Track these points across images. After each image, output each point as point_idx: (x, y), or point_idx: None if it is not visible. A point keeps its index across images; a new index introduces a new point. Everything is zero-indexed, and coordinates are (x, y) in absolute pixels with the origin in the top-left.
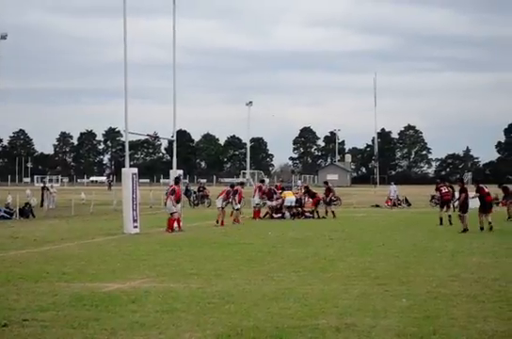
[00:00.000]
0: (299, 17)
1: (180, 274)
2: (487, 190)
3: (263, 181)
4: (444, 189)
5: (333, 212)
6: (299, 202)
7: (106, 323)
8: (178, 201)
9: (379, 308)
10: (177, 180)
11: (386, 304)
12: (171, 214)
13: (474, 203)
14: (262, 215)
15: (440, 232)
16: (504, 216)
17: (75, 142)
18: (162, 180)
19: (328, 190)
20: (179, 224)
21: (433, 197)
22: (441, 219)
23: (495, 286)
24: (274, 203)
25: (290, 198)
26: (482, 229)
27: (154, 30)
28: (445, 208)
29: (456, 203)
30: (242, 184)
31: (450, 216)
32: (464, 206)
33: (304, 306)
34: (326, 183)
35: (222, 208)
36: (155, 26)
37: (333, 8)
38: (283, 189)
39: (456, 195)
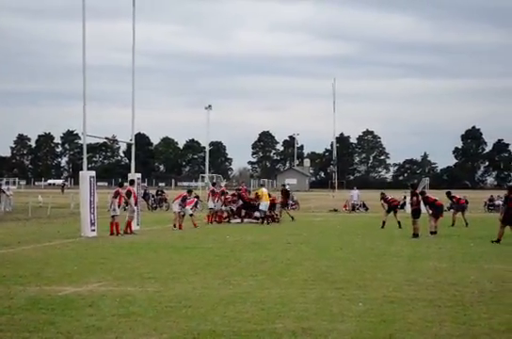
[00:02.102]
0: (262, 22)
1: (137, 278)
2: (433, 197)
3: (214, 184)
4: (390, 196)
5: (277, 215)
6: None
7: (62, 327)
8: (135, 203)
9: (336, 312)
10: (131, 182)
11: (343, 308)
12: (113, 217)
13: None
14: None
15: (397, 236)
16: (449, 222)
17: (33, 145)
18: None
19: (285, 193)
20: (130, 227)
21: None
22: (384, 223)
23: (451, 291)
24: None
25: (265, 202)
26: (433, 233)
27: (116, 34)
28: (392, 213)
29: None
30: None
31: (399, 222)
32: (416, 212)
33: (261, 310)
34: (283, 185)
35: (179, 212)
36: (117, 30)
37: (296, 13)
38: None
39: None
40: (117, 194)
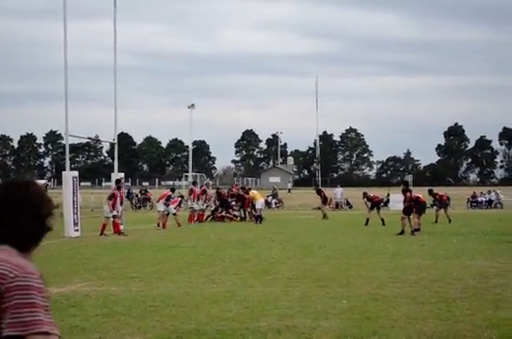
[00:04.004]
0: (246, 21)
1: (121, 277)
2: (416, 194)
3: (195, 183)
4: (372, 194)
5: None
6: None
7: None
8: (121, 203)
9: (320, 310)
10: (118, 182)
11: (327, 306)
12: (107, 218)
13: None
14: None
15: (381, 234)
16: (433, 219)
17: (15, 145)
18: (104, 183)
19: (320, 192)
20: (117, 227)
21: None
22: (368, 220)
23: (434, 288)
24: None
25: (261, 200)
26: (417, 230)
27: (100, 33)
28: (375, 210)
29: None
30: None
31: (383, 219)
32: (408, 209)
33: (245, 308)
34: (317, 186)
35: (163, 211)
36: (101, 29)
37: (280, 11)
38: (244, 190)
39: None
40: (112, 196)
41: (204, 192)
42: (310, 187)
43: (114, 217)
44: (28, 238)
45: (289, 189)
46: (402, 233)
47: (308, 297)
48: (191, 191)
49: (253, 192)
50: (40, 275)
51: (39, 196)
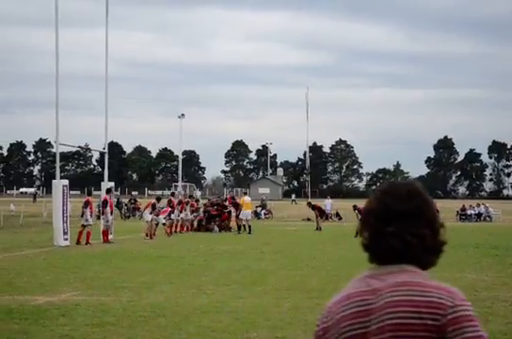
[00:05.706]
0: (237, 31)
1: (110, 287)
2: None
3: (173, 194)
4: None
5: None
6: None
7: (36, 337)
8: (111, 212)
9: (310, 321)
10: (108, 191)
11: (317, 317)
12: (84, 226)
13: None
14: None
15: None
16: None
17: (5, 153)
18: (93, 192)
19: (314, 207)
20: (107, 236)
21: None
22: (357, 232)
23: None
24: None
25: (247, 211)
26: None
27: (89, 41)
28: None
29: None
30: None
31: None
32: None
33: (235, 320)
34: (309, 203)
35: (151, 221)
36: (93, 38)
37: (270, 22)
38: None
39: None
40: (87, 204)
41: (180, 203)
42: (299, 198)
43: (89, 225)
44: (431, 256)
45: (293, 200)
46: None
47: (298, 308)
48: (168, 202)
49: (244, 200)
50: None
51: (433, 204)
